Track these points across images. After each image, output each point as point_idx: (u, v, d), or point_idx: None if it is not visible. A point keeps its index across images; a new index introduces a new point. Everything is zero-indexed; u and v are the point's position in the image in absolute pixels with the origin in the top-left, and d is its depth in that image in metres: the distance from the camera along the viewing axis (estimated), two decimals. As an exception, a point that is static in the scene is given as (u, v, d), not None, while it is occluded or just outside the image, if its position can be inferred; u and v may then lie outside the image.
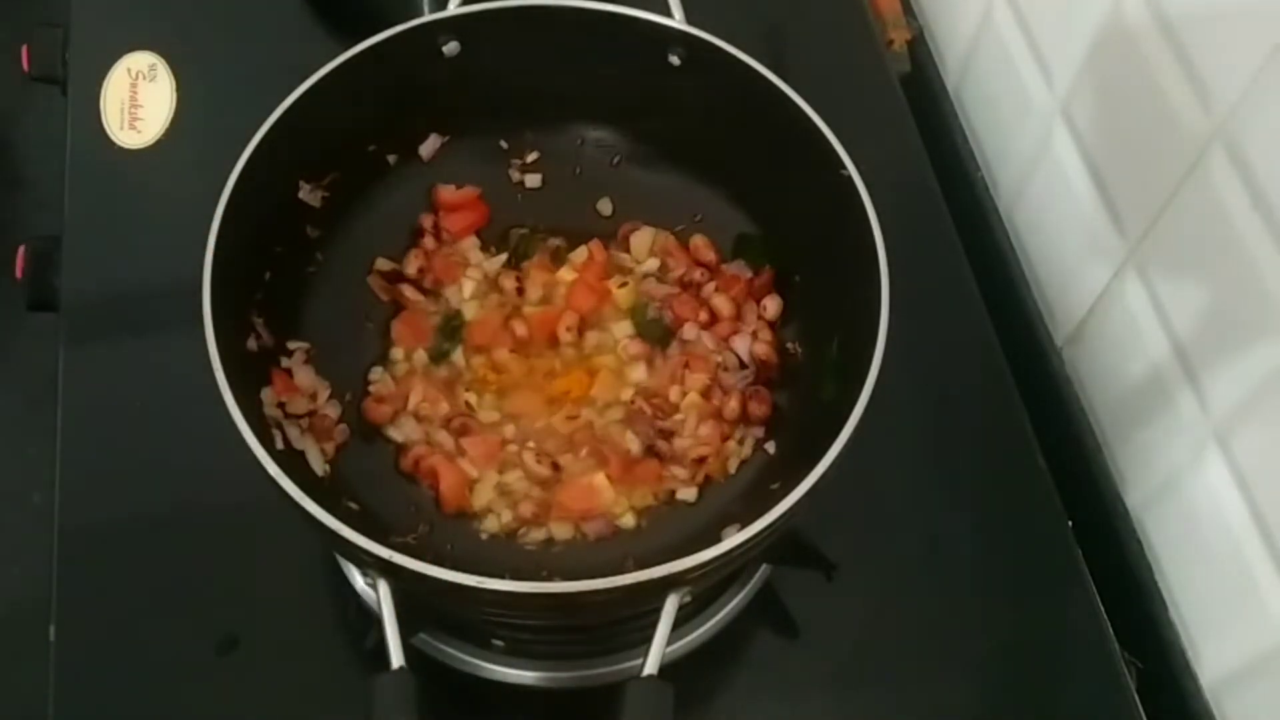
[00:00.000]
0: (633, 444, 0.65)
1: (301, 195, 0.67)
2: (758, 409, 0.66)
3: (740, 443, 0.65)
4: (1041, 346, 0.81)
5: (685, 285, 0.70)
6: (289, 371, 0.64)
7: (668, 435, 0.65)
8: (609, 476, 0.64)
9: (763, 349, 0.67)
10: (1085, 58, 0.73)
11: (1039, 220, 0.83)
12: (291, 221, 0.66)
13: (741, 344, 0.68)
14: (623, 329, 0.69)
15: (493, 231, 0.72)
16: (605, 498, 0.63)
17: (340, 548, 0.56)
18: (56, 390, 0.73)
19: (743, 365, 0.68)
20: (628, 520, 0.63)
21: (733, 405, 0.66)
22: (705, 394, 0.66)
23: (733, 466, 0.65)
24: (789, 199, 0.68)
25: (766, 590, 0.69)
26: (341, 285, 0.68)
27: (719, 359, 0.68)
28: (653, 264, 0.71)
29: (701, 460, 0.65)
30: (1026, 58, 0.81)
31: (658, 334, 0.69)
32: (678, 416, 0.66)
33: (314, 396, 0.64)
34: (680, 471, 0.64)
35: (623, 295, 0.70)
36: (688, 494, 0.64)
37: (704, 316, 0.69)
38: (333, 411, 0.64)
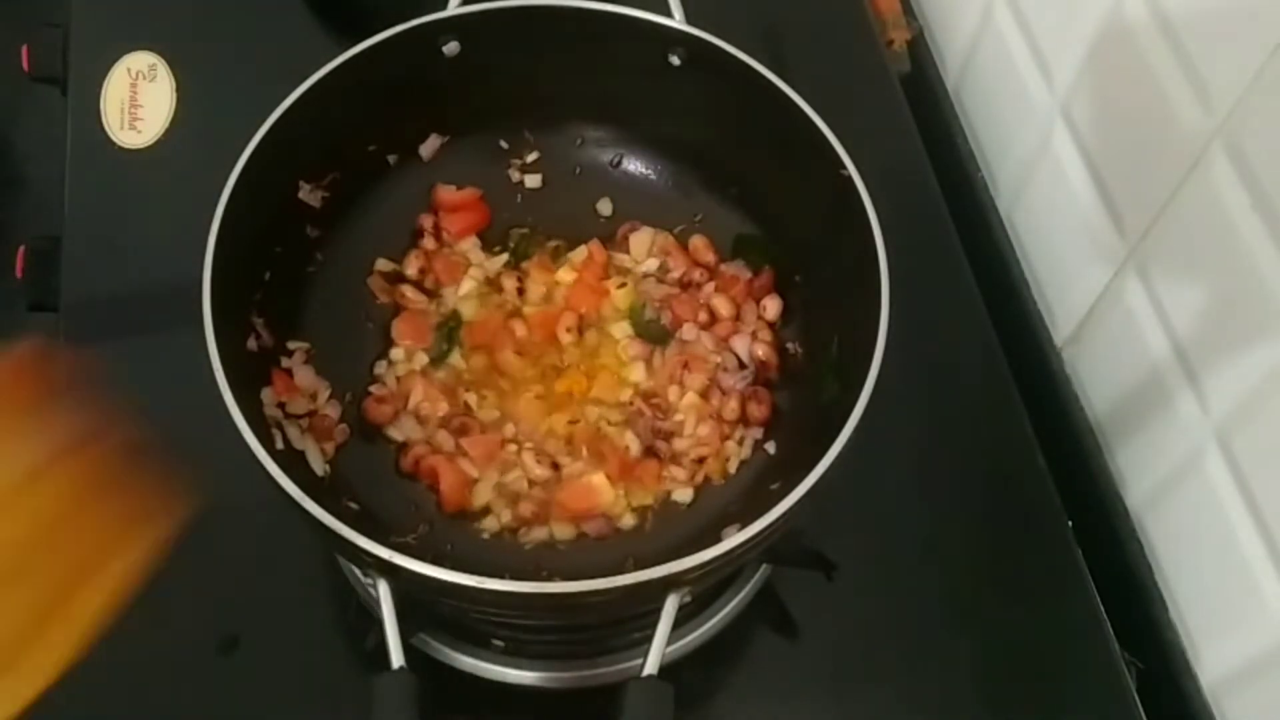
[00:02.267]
0: (632, 444, 0.65)
1: (301, 195, 0.67)
2: (757, 410, 0.66)
3: (740, 443, 0.65)
4: (1041, 346, 0.81)
5: (685, 285, 0.70)
6: (289, 371, 0.64)
7: (667, 436, 0.65)
8: (608, 476, 0.64)
9: (763, 349, 0.67)
10: (1085, 58, 0.73)
11: (1039, 220, 0.83)
12: (291, 221, 0.66)
13: (741, 344, 0.68)
14: (622, 329, 0.69)
15: (493, 232, 0.72)
16: (605, 497, 0.63)
17: (340, 548, 0.56)
18: (56, 390, 0.73)
19: (742, 366, 0.68)
20: (627, 520, 0.63)
21: (732, 406, 0.66)
22: (704, 395, 0.66)
23: (732, 467, 0.65)
24: (789, 199, 0.68)
25: (766, 590, 0.69)
26: (341, 285, 0.68)
27: (718, 359, 0.68)
28: (652, 264, 0.71)
29: (701, 461, 0.65)
30: (1026, 58, 0.81)
31: (657, 334, 0.69)
32: (677, 417, 0.66)
33: (314, 396, 0.64)
34: (679, 472, 0.64)
35: (622, 296, 0.70)
36: (684, 495, 0.64)
37: (703, 317, 0.69)
38: (333, 411, 0.64)
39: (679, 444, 0.65)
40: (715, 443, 0.65)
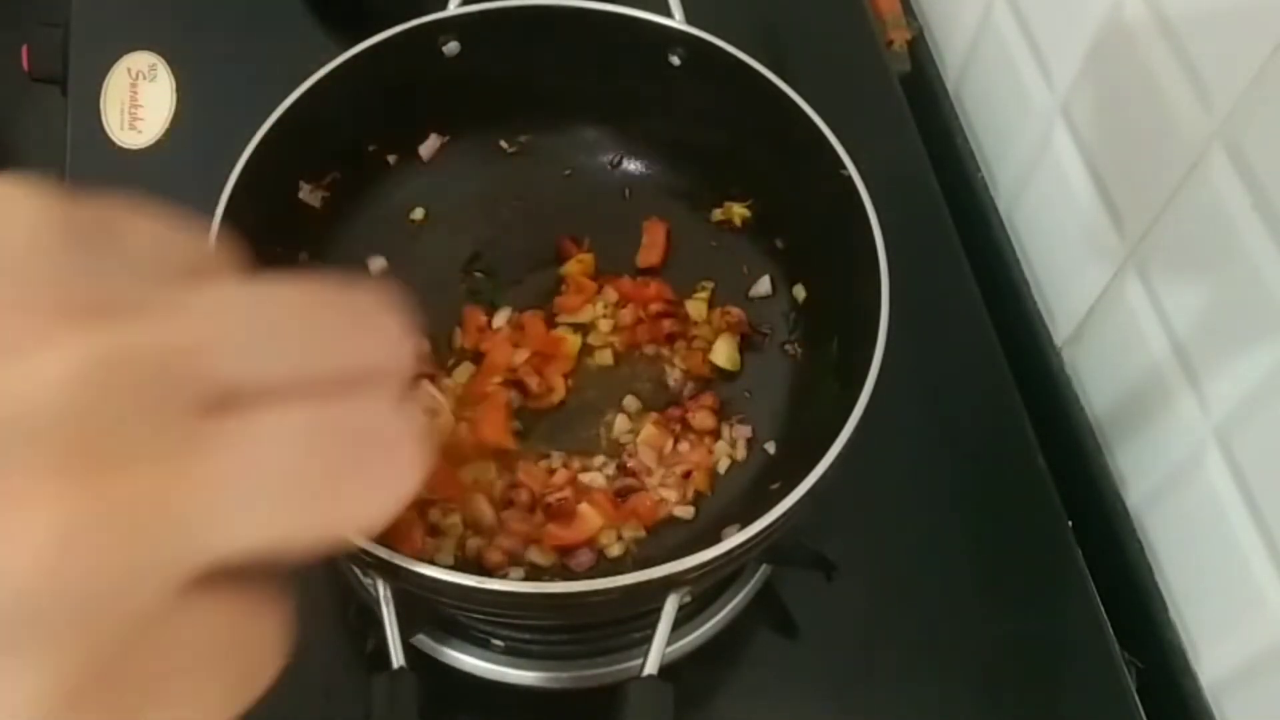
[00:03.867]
0: (595, 481, 0.63)
1: (301, 195, 0.67)
2: (702, 418, 0.65)
3: (731, 444, 0.65)
4: (1041, 346, 0.81)
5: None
6: None
7: (635, 473, 0.64)
8: (599, 510, 0.62)
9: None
10: (1085, 58, 0.73)
11: (1039, 220, 0.83)
12: (291, 222, 0.66)
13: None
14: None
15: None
16: (593, 524, 0.61)
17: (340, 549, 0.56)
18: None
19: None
20: (614, 550, 0.61)
21: (701, 416, 0.65)
22: (659, 422, 0.65)
23: (722, 468, 0.64)
24: (789, 199, 0.68)
25: (766, 590, 0.69)
26: (341, 285, 0.68)
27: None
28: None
29: (687, 475, 0.64)
30: (1026, 58, 0.81)
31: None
32: (641, 455, 0.64)
33: None
34: (669, 494, 0.63)
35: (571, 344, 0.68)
36: (685, 512, 0.63)
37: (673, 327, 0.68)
38: None
39: (650, 479, 0.64)
40: (701, 455, 0.64)
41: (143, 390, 0.20)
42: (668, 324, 0.68)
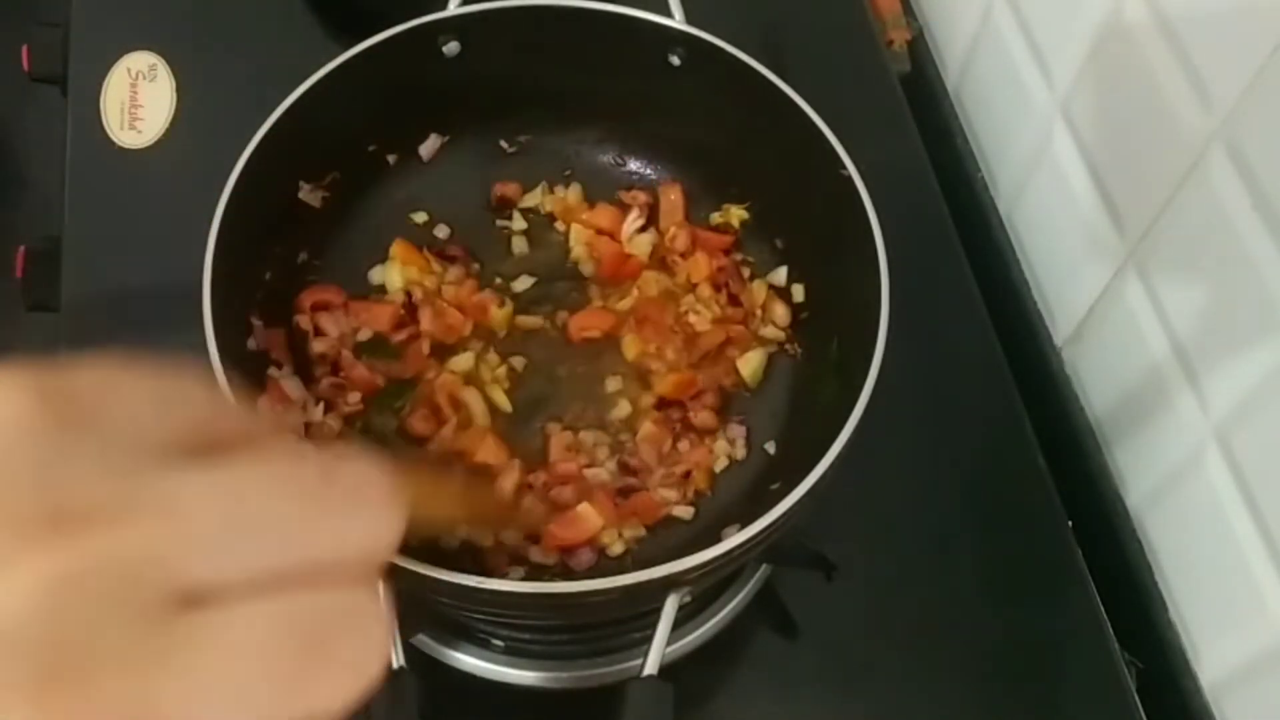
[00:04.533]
0: (595, 477, 0.63)
1: (301, 195, 0.67)
2: (704, 418, 0.65)
3: (731, 442, 0.65)
4: (1041, 346, 0.81)
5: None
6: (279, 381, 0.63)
7: (636, 472, 0.64)
8: (599, 510, 0.62)
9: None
10: (1085, 58, 0.73)
11: (1039, 220, 0.83)
12: (291, 221, 0.66)
13: None
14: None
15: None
16: (593, 524, 0.61)
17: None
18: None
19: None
20: (617, 548, 0.61)
21: (703, 415, 0.65)
22: (659, 420, 0.65)
23: (719, 467, 0.64)
24: (789, 199, 0.68)
25: (766, 590, 0.69)
26: (341, 286, 0.68)
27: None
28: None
29: (687, 475, 0.64)
30: (1026, 58, 0.81)
31: None
32: (641, 453, 0.64)
33: (304, 408, 0.62)
34: (670, 494, 0.63)
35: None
36: (685, 512, 0.63)
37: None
38: (334, 423, 0.63)
39: (651, 479, 0.63)
40: (701, 454, 0.64)
41: (111, 598, 0.21)
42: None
